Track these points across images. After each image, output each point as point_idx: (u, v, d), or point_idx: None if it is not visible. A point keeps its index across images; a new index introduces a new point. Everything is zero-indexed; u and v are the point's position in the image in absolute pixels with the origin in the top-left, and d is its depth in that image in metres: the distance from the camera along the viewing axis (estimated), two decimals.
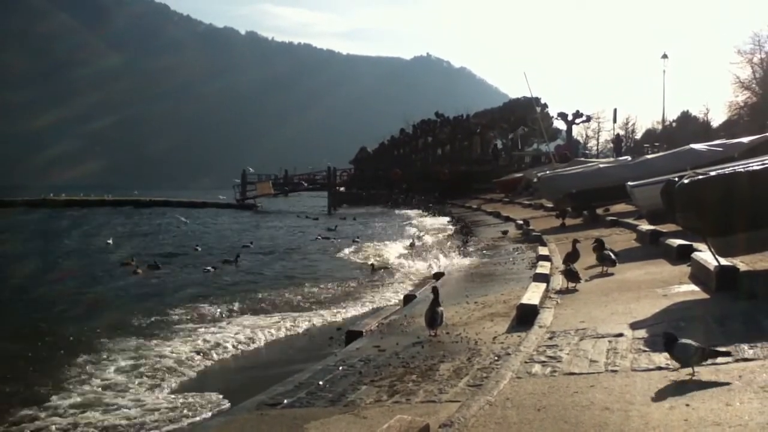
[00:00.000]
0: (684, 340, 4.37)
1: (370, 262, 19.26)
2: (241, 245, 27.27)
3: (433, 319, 7.05)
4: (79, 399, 7.97)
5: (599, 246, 10.17)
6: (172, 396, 8.00)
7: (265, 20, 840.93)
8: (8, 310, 14.63)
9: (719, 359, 4.44)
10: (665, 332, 4.60)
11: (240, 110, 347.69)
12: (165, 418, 7.18)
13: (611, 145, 59.20)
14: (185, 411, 7.32)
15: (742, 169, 7.05)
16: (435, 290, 7.56)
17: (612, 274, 9.34)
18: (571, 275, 8.77)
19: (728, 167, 7.85)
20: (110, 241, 28.26)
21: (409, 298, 10.58)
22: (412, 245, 23.66)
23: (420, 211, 47.37)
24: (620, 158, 28.38)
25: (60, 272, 19.97)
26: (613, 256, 9.68)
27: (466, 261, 15.20)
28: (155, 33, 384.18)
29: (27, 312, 14.15)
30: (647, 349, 5.18)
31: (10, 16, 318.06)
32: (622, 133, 66.82)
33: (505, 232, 19.16)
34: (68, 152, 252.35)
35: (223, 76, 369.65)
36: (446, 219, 35.58)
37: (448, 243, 21.67)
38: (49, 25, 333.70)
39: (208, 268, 20.12)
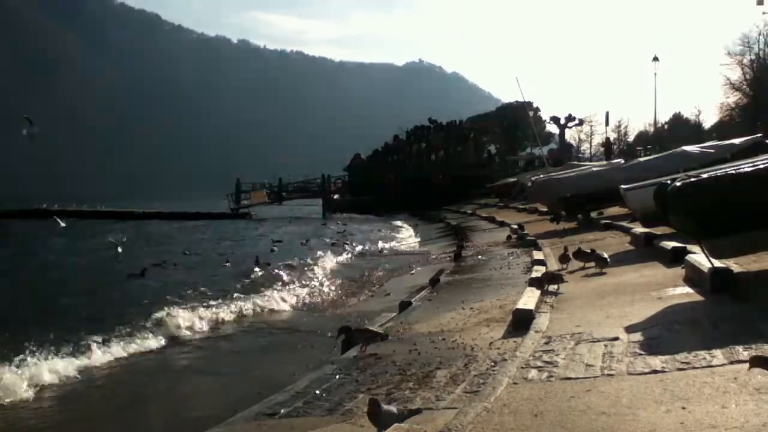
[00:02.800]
0: (385, 408, 4.28)
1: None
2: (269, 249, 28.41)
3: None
4: None
5: (578, 252, 10.65)
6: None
7: (256, 29, 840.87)
8: None
9: None
10: (371, 399, 4.49)
11: (232, 118, 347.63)
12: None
13: (602, 149, 59.50)
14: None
15: (732, 171, 7.09)
16: (342, 330, 7.78)
17: (605, 273, 9.56)
18: (548, 279, 8.88)
19: (720, 169, 7.90)
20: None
21: (404, 305, 10.55)
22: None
23: (412, 218, 47.44)
24: (613, 161, 28.50)
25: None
26: (605, 255, 10.10)
27: (461, 266, 15.19)
28: (147, 43, 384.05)
29: None
30: (643, 353, 5.19)
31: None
32: (614, 136, 67.15)
33: (509, 237, 19.00)
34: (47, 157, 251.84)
35: (215, 84, 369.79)
36: (441, 225, 35.60)
37: (443, 249, 21.71)
38: (41, 37, 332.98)
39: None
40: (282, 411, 5.48)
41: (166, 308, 13.19)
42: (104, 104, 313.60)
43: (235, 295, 15.63)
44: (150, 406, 8.18)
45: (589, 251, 10.56)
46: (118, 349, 10.62)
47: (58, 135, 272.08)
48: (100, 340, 10.69)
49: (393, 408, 4.32)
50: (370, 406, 4.25)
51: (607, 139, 59.20)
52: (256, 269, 20.07)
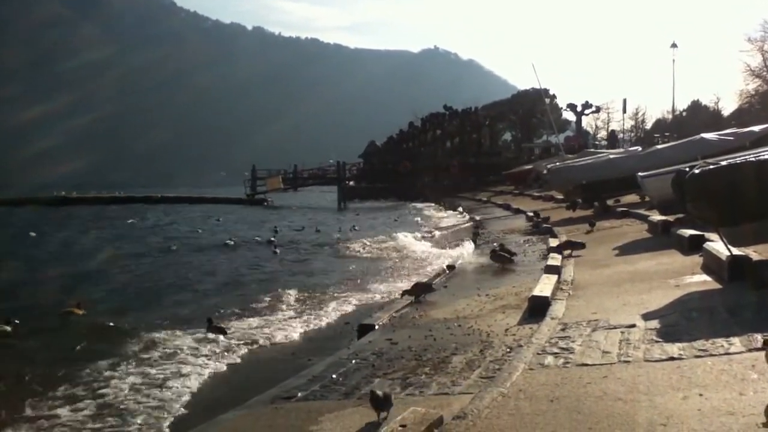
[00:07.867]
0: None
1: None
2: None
3: None
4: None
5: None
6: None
7: (270, 15, 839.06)
8: None
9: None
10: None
11: (247, 105, 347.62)
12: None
13: (621, 136, 59.26)
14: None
15: (752, 159, 7.01)
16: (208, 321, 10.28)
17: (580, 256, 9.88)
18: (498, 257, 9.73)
19: (739, 156, 7.81)
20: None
21: None
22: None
23: (429, 205, 47.38)
24: (630, 149, 28.26)
25: None
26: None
27: (478, 253, 15.17)
28: (162, 30, 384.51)
29: None
30: (660, 340, 5.18)
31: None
32: (632, 123, 66.60)
33: (533, 221, 18.79)
34: (57, 147, 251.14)
35: (230, 71, 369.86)
36: (457, 212, 35.52)
37: (459, 235, 21.66)
38: (53, 23, 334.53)
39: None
40: (299, 394, 5.53)
41: None
42: (117, 91, 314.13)
43: None
44: None
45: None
46: None
47: (69, 122, 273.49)
48: None
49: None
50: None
51: (612, 131, 59.19)
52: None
